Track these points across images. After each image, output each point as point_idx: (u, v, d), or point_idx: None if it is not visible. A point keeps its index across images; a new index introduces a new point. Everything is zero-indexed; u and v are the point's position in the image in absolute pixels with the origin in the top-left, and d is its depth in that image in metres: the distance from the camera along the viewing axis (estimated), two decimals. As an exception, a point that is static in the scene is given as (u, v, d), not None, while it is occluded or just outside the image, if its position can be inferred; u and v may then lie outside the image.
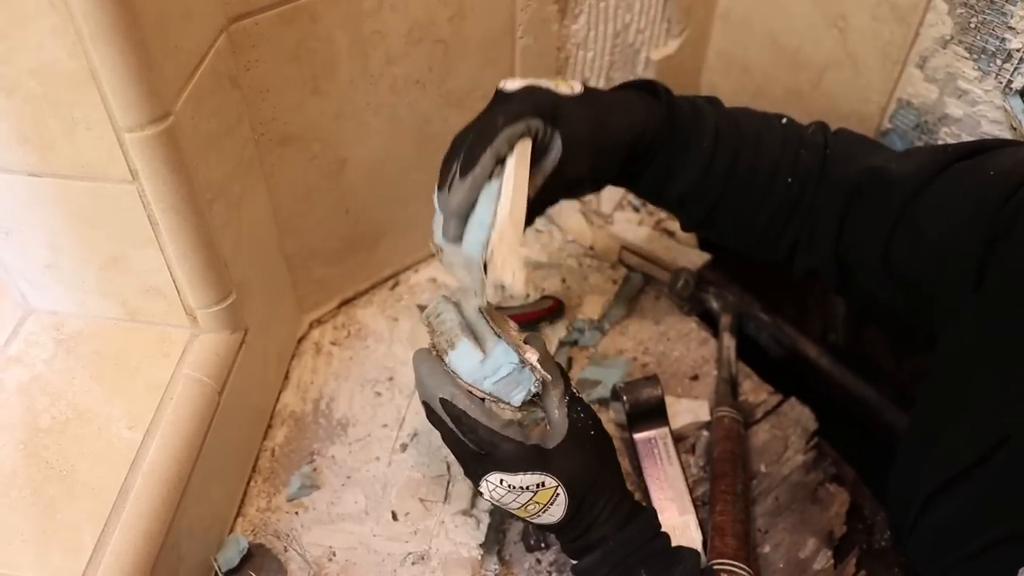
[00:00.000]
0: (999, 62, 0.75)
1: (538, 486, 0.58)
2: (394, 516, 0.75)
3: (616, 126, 0.65)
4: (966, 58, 0.78)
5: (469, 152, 0.57)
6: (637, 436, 0.78)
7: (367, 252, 0.90)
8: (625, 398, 0.79)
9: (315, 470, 0.78)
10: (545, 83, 0.63)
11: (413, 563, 0.71)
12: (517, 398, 0.59)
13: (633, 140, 0.66)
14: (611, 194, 1.07)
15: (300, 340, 0.89)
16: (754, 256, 0.76)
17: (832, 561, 0.73)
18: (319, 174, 0.79)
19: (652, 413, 0.79)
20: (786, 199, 0.70)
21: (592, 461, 0.60)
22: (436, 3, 0.76)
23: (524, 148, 0.58)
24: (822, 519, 0.76)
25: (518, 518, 0.62)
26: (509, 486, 0.58)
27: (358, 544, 0.72)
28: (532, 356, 0.60)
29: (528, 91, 0.62)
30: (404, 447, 0.80)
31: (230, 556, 0.69)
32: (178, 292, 0.66)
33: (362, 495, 0.76)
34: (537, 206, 0.62)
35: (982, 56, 0.77)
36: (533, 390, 0.59)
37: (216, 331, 0.70)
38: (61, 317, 0.71)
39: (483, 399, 0.59)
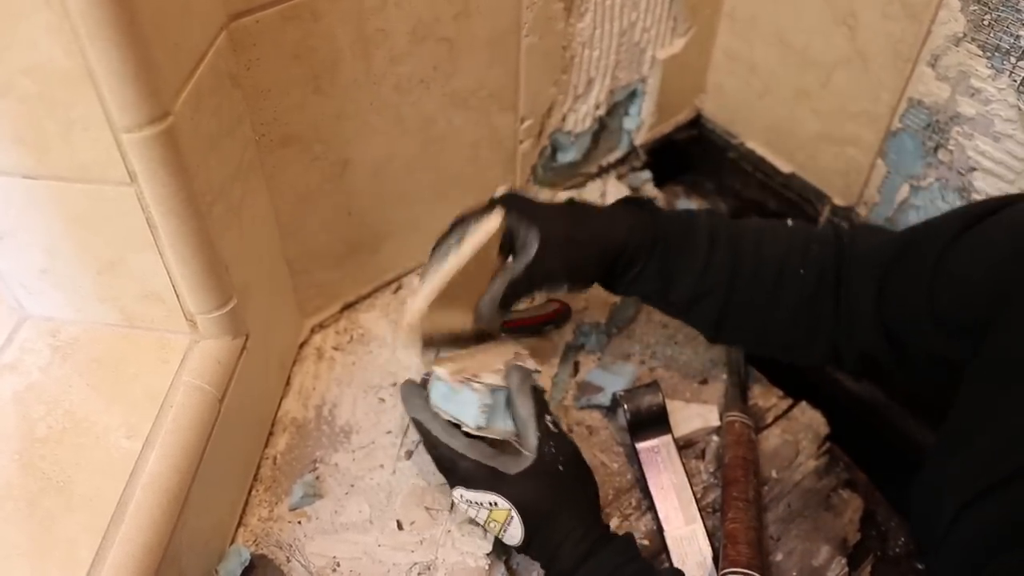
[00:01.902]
0: (1013, 59, 0.74)
1: (492, 504, 0.64)
2: (399, 525, 0.73)
3: (594, 228, 0.71)
4: (979, 56, 0.77)
5: (441, 237, 0.71)
6: (640, 445, 0.76)
7: (369, 255, 0.88)
8: (625, 407, 0.77)
9: (318, 478, 0.76)
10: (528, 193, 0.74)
11: (419, 573, 0.70)
12: (470, 419, 0.67)
13: (614, 246, 0.70)
14: (616, 195, 1.05)
15: (302, 345, 0.87)
16: (800, 362, 0.77)
17: (847, 569, 0.72)
18: (321, 176, 0.77)
19: (654, 421, 0.77)
20: (802, 292, 0.70)
21: (550, 494, 0.64)
22: (441, 0, 0.74)
23: (486, 225, 0.67)
24: (835, 526, 0.75)
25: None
26: (468, 501, 0.66)
27: (363, 554, 0.71)
28: (487, 379, 0.68)
29: (509, 193, 0.73)
30: (409, 454, 0.78)
31: (232, 568, 0.67)
32: (178, 297, 0.65)
33: (366, 504, 0.74)
34: (514, 293, 0.69)
35: (996, 54, 0.75)
36: (479, 412, 0.67)
37: (217, 337, 0.68)
38: (57, 323, 0.70)
39: (450, 422, 0.67)
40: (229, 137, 0.65)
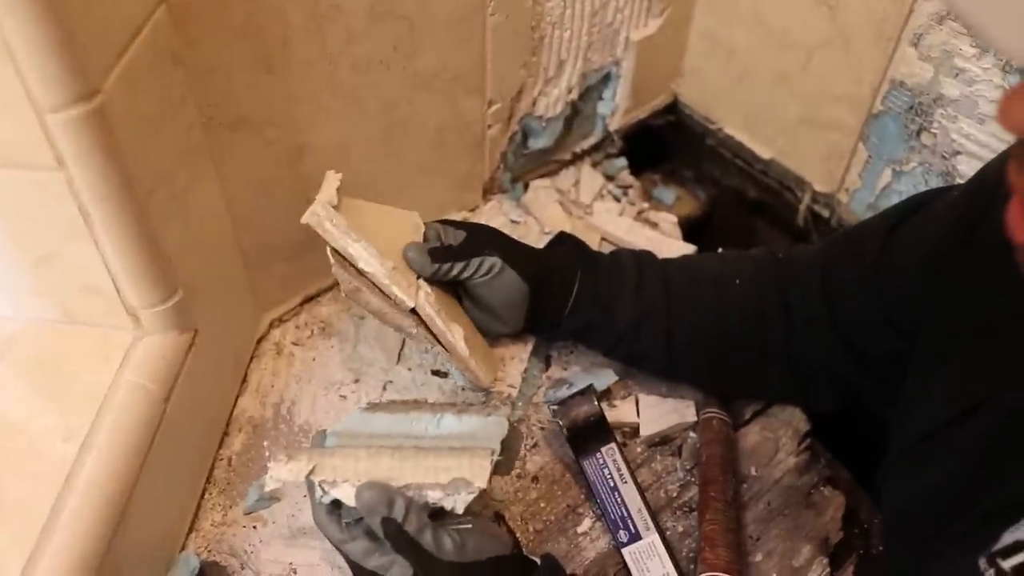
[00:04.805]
0: (999, 38, 0.71)
1: None
2: (360, 529, 0.69)
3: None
4: (964, 34, 0.74)
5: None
6: (582, 459, 0.72)
7: (331, 246, 0.84)
8: (561, 423, 0.73)
9: (275, 481, 0.72)
10: None
11: (380, 580, 0.66)
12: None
13: (543, 253, 0.76)
14: (590, 183, 1.02)
15: (259, 340, 0.83)
16: (766, 394, 0.79)
17: (828, 569, 0.69)
18: (276, 161, 0.73)
19: (593, 430, 0.73)
20: (744, 303, 0.72)
21: None
22: (399, -25, 0.70)
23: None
24: (817, 524, 0.72)
25: None
26: None
27: (321, 560, 0.67)
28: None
29: None
30: (371, 454, 0.74)
31: (180, 577, 0.64)
32: (117, 290, 0.61)
33: (325, 507, 0.70)
34: (442, 239, 0.73)
35: (981, 32, 0.73)
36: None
37: (162, 332, 0.64)
38: (-9, 320, 0.66)
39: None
40: (171, 119, 0.61)
